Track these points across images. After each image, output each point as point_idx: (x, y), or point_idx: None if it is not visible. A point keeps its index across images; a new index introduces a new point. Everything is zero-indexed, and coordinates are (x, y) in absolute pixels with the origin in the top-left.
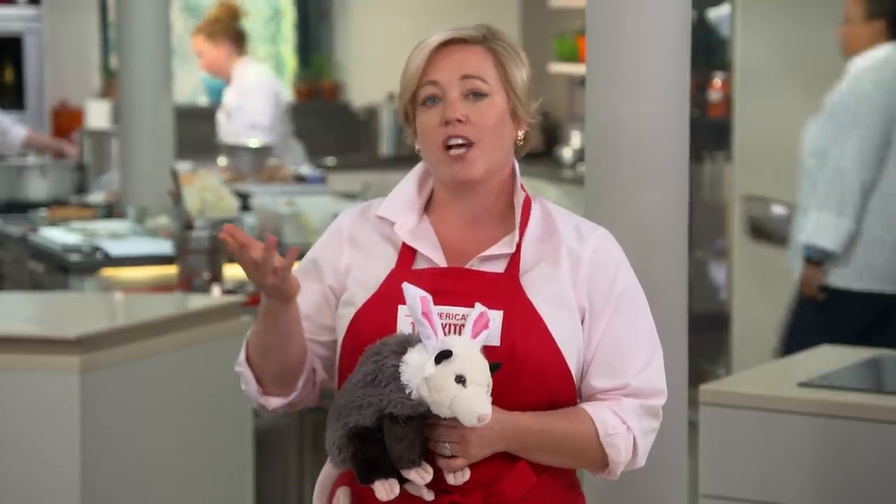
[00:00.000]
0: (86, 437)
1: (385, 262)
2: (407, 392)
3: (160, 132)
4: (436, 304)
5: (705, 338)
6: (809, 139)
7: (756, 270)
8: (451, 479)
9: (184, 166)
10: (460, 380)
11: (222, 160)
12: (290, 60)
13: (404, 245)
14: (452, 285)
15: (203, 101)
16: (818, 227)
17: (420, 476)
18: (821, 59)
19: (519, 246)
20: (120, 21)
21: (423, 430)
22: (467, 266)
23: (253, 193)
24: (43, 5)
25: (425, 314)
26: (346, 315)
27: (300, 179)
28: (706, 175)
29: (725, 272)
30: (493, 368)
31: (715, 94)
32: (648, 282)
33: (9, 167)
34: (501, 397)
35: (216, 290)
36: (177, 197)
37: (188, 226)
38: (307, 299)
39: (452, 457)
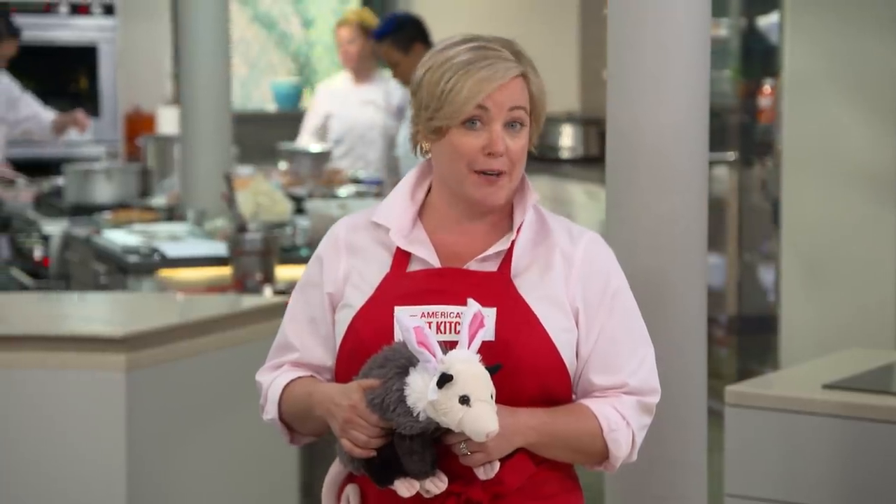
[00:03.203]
0: (131, 435)
1: (380, 267)
2: (415, 415)
3: (220, 137)
4: (430, 303)
5: (753, 338)
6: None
7: (803, 272)
8: (482, 475)
9: (245, 170)
10: (464, 400)
11: (283, 164)
12: None
13: (398, 249)
14: (446, 285)
15: (271, 107)
16: None
17: (435, 485)
18: (869, 65)
19: (512, 244)
20: (181, 31)
21: (431, 441)
22: (464, 267)
23: (307, 197)
24: (118, 16)
25: (421, 343)
26: (345, 318)
27: (356, 183)
28: (755, 179)
29: (773, 274)
30: (494, 370)
31: (765, 101)
32: (668, 285)
33: (77, 171)
34: (498, 392)
35: (268, 291)
36: (230, 200)
37: (242, 228)
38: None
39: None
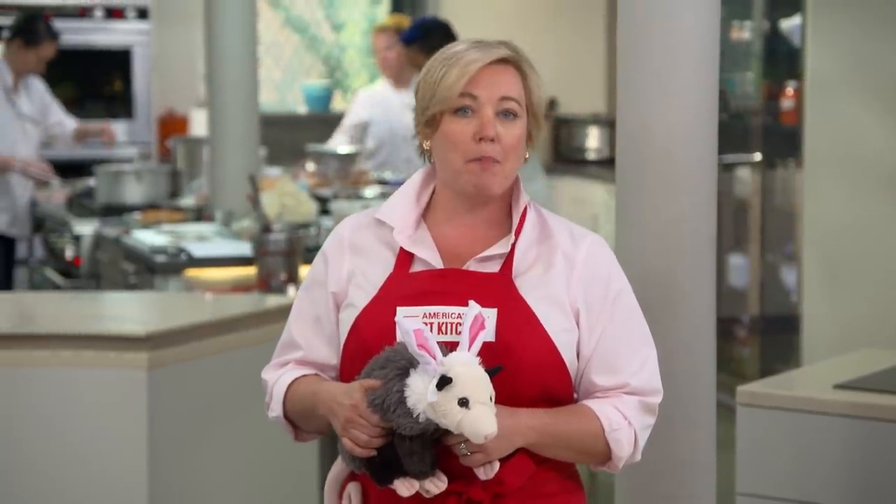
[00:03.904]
0: (153, 432)
1: (383, 266)
2: (415, 416)
3: (247, 139)
4: (432, 304)
5: (776, 338)
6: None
7: (825, 273)
8: (482, 474)
9: (273, 171)
10: (463, 402)
11: (310, 165)
12: None
13: (402, 249)
14: (448, 286)
15: (302, 109)
16: None
17: (435, 485)
18: (891, 68)
19: (513, 247)
20: (210, 34)
21: (431, 442)
22: (464, 267)
23: (333, 198)
24: (152, 19)
25: (421, 346)
26: (348, 318)
27: (383, 183)
28: (778, 181)
29: (796, 275)
30: (494, 372)
31: (787, 103)
32: (677, 286)
33: (107, 172)
34: (499, 393)
35: (292, 291)
36: (255, 201)
37: (266, 229)
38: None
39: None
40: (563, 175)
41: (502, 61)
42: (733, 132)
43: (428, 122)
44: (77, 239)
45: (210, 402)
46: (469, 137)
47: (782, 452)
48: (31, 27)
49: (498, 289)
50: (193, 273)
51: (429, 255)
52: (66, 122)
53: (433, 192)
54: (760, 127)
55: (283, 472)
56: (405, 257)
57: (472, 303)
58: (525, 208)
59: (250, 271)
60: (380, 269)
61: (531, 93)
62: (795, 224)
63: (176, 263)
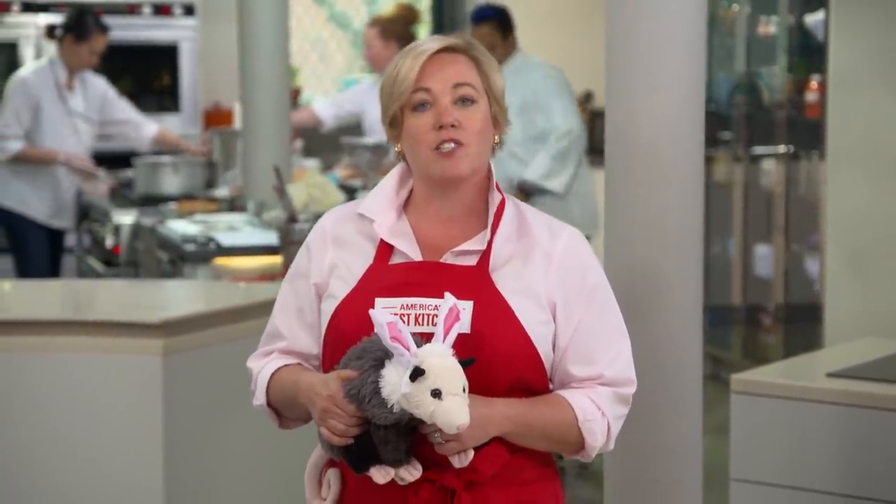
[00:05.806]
0: (168, 417)
1: (364, 258)
2: (389, 406)
3: (279, 132)
4: (409, 295)
5: (800, 326)
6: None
7: (848, 263)
8: (456, 462)
9: (310, 163)
10: (436, 394)
11: (345, 158)
12: None
13: (382, 241)
14: (425, 278)
15: None
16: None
17: (409, 473)
18: None
19: (490, 242)
20: (243, 30)
21: (406, 430)
22: (441, 260)
23: (361, 189)
24: (198, 16)
25: (394, 338)
26: (328, 308)
27: None
28: (802, 172)
29: (819, 265)
30: (467, 364)
31: (811, 96)
32: (663, 277)
33: (145, 164)
34: (475, 384)
35: None
36: (280, 192)
37: (292, 219)
38: (299, 303)
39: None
40: (599, 167)
41: (452, 51)
42: (760, 124)
43: (392, 122)
44: (117, 228)
45: (225, 389)
46: (430, 127)
47: (775, 439)
48: (80, 22)
49: (474, 281)
50: (222, 262)
51: (408, 248)
52: (139, 123)
53: (412, 188)
54: (785, 119)
55: (298, 458)
56: (385, 249)
57: (447, 295)
58: (504, 202)
59: (277, 260)
60: (361, 261)
61: (487, 77)
62: (819, 215)
63: (205, 252)
